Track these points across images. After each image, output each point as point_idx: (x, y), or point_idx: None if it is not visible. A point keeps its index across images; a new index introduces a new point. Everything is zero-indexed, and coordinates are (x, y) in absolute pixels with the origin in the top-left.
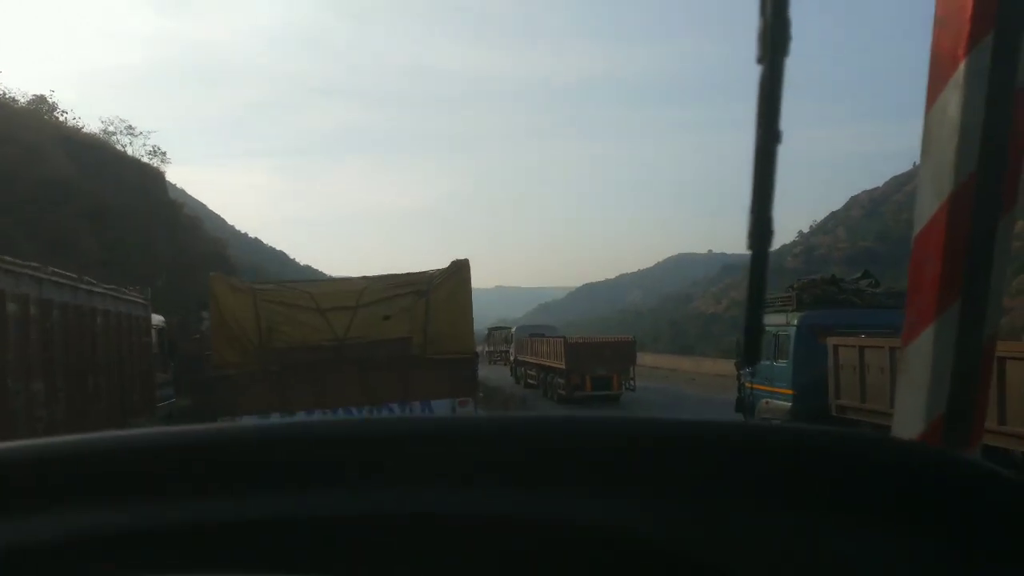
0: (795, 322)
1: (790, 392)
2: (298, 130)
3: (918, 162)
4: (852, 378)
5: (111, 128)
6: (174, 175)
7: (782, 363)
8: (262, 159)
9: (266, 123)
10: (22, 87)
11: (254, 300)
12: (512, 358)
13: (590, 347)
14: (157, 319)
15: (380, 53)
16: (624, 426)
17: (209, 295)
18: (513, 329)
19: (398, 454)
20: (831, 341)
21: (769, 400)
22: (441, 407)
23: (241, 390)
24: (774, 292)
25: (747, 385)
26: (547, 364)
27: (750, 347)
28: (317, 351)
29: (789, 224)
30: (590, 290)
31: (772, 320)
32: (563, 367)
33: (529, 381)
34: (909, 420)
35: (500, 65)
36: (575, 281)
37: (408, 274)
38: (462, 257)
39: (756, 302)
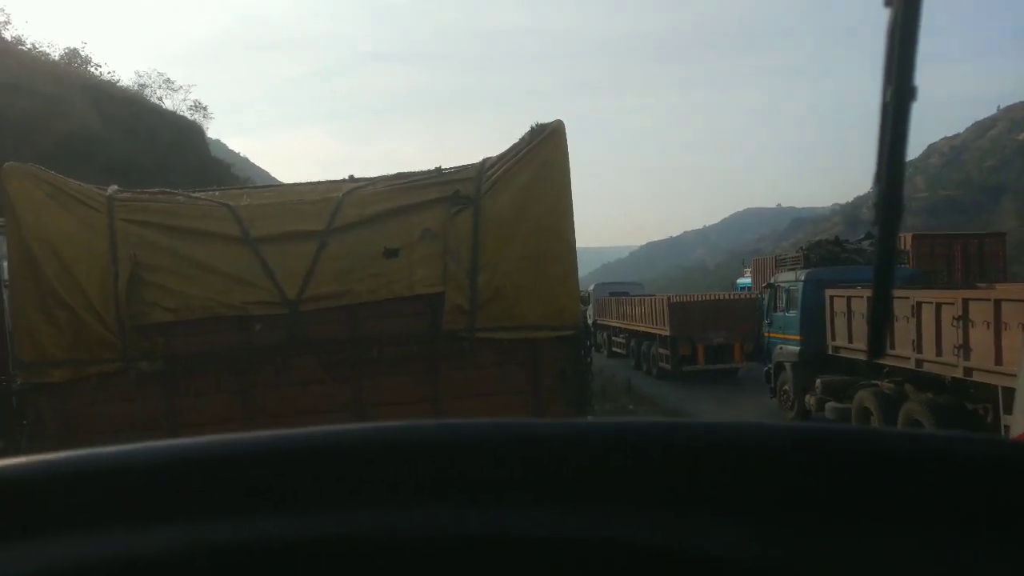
0: (802, 278)
1: (798, 338)
2: (356, 94)
3: (1003, 105)
4: (842, 323)
5: (146, 82)
6: (237, 144)
7: (792, 314)
8: (321, 124)
9: (326, 89)
10: (56, 41)
11: (109, 221)
12: (591, 321)
13: (703, 307)
14: None
15: (437, 13)
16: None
17: (4, 209)
18: (591, 288)
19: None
20: (828, 293)
21: (783, 346)
22: None
23: (75, 413)
24: (794, 252)
25: (765, 335)
26: (641, 329)
27: (875, 337)
28: (239, 329)
29: (864, 176)
30: (654, 248)
31: (785, 278)
32: (667, 333)
33: (615, 350)
34: None
35: (554, 21)
36: (638, 240)
37: (436, 170)
38: None
39: (884, 288)
